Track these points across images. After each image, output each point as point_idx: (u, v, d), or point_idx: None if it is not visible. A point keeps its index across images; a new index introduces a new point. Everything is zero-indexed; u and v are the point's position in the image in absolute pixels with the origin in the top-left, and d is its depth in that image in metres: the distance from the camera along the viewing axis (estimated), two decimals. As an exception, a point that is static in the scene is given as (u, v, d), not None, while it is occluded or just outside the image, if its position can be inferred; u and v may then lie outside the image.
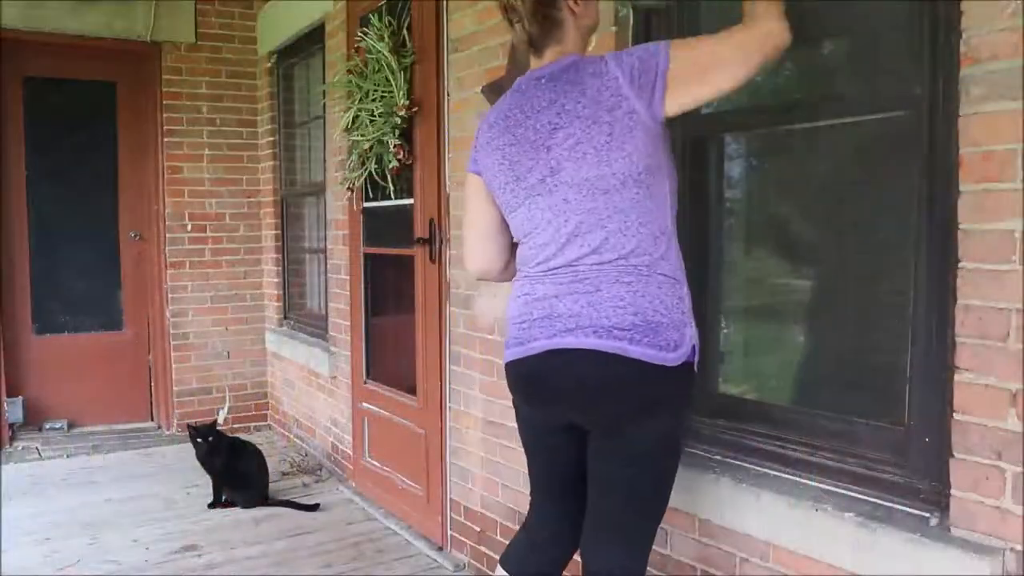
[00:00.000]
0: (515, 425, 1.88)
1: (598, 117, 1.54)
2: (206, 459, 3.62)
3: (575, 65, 1.60)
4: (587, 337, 1.55)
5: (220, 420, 4.80)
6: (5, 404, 4.51)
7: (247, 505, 3.60)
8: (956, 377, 1.46)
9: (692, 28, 2.08)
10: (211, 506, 3.61)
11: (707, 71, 1.51)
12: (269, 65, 4.88)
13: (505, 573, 1.86)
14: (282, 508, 3.60)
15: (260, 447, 3.79)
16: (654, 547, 2.06)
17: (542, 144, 1.60)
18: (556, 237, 1.61)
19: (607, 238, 1.56)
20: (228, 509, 3.60)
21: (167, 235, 4.82)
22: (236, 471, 3.64)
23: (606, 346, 1.53)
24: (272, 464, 3.99)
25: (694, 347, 1.58)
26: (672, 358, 1.53)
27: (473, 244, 1.87)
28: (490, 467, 2.80)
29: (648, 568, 2.09)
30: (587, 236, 1.57)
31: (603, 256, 1.56)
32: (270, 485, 3.75)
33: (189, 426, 3.63)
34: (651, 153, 1.55)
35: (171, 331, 4.84)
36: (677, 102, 1.52)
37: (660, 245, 1.57)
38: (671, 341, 1.54)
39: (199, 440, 3.55)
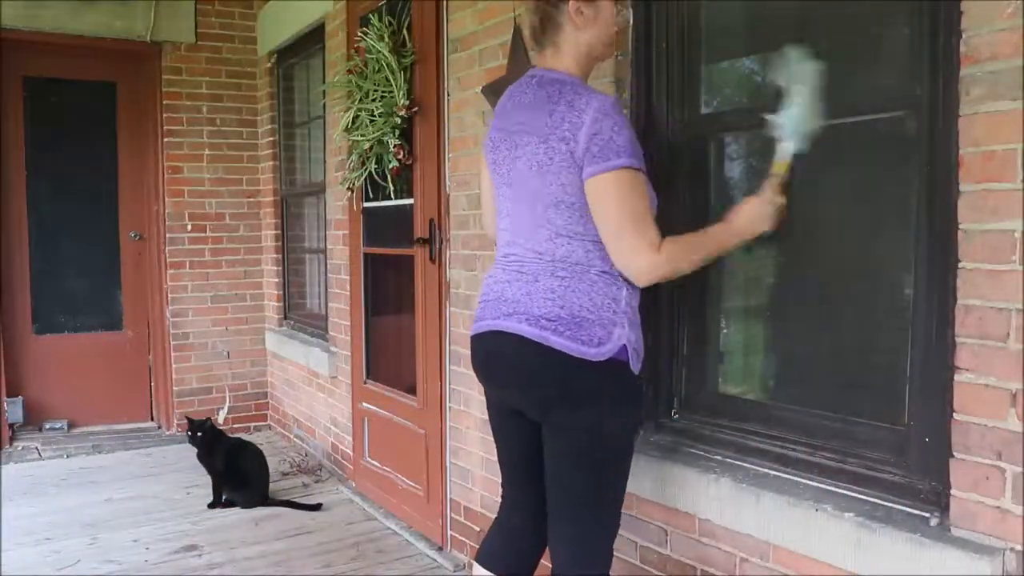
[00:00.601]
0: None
1: (549, 140, 1.63)
2: (206, 458, 3.63)
3: (563, 85, 1.67)
4: (519, 323, 1.66)
5: (220, 420, 4.82)
6: (5, 404, 4.51)
7: (247, 505, 3.60)
8: (956, 377, 1.46)
9: (693, 26, 2.08)
10: (211, 506, 3.61)
11: (604, 210, 1.60)
12: (269, 65, 4.88)
13: (481, 569, 1.89)
14: (282, 508, 3.60)
15: (260, 447, 3.79)
16: (654, 547, 2.07)
17: (515, 142, 1.72)
18: (511, 228, 1.76)
19: (542, 242, 1.68)
20: (228, 509, 3.60)
21: (167, 235, 4.82)
22: (236, 471, 3.64)
23: (532, 334, 1.64)
24: (272, 464, 3.99)
25: (625, 347, 1.64)
26: (594, 353, 1.61)
27: (483, 212, 2.02)
28: (490, 467, 2.79)
29: (648, 568, 2.10)
30: (529, 235, 1.70)
31: (544, 257, 1.68)
32: (270, 485, 3.75)
33: (188, 419, 3.65)
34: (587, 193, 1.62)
35: (171, 331, 4.84)
36: (586, 188, 1.61)
37: (593, 256, 1.65)
38: (595, 337, 1.62)
39: (191, 433, 3.57)
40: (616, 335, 1.63)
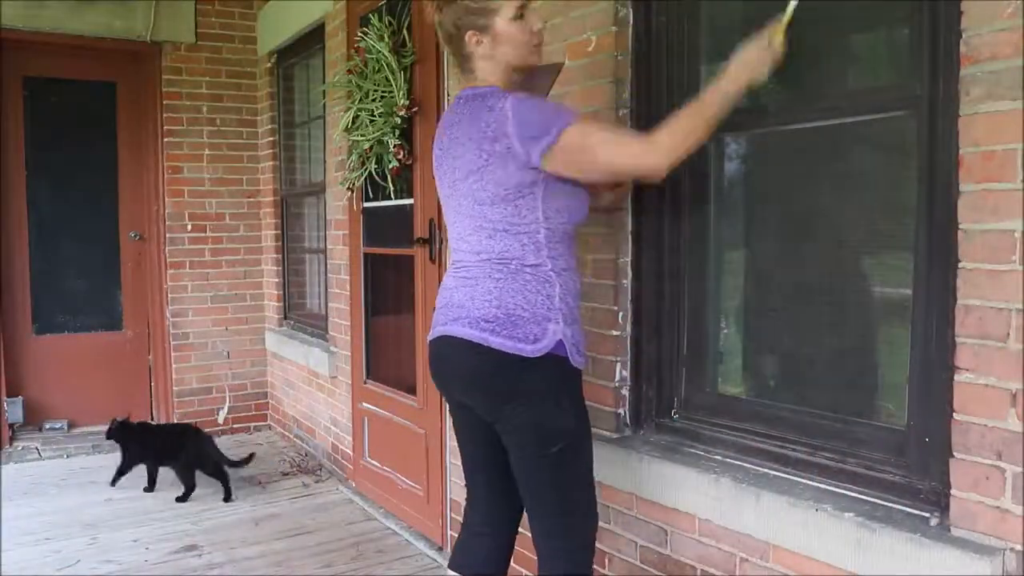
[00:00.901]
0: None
1: (481, 144, 1.70)
2: (139, 452, 3.80)
3: (485, 95, 1.75)
4: (463, 327, 1.73)
5: (220, 420, 4.84)
6: (5, 404, 4.51)
7: (183, 471, 3.69)
8: (956, 377, 1.46)
9: (693, 26, 2.08)
10: (147, 490, 3.78)
11: (581, 166, 1.69)
12: (269, 65, 4.88)
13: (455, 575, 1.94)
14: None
15: (260, 447, 3.80)
16: (654, 547, 2.07)
17: (453, 154, 1.80)
18: (455, 236, 1.84)
19: (481, 241, 1.75)
20: (228, 508, 3.59)
21: (167, 235, 4.82)
22: (168, 449, 3.77)
23: (474, 336, 1.71)
24: (272, 464, 3.99)
25: (561, 342, 1.70)
26: (531, 350, 1.68)
27: None
28: (490, 467, 2.79)
29: (648, 568, 2.10)
30: (470, 238, 1.78)
31: (481, 256, 1.75)
32: (272, 483, 3.74)
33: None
34: (526, 184, 1.69)
35: (171, 331, 4.84)
36: (551, 167, 1.67)
37: (528, 251, 1.72)
38: (530, 334, 1.68)
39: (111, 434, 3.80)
40: (551, 331, 1.69)
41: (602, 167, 1.71)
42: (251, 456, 3.87)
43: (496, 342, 1.68)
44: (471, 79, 1.81)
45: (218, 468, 3.71)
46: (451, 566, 1.96)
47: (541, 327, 1.69)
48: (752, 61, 1.66)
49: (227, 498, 3.68)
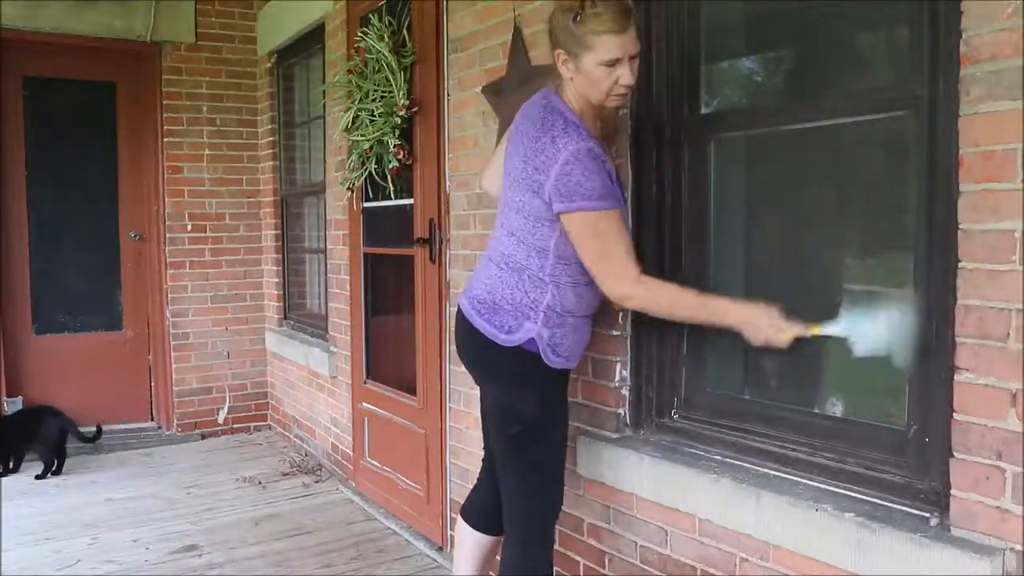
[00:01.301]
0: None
1: (528, 162, 1.80)
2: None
3: (560, 118, 1.78)
4: (465, 302, 1.96)
5: (220, 420, 4.84)
6: (5, 404, 4.51)
7: (45, 458, 4.09)
8: (956, 377, 1.46)
9: (693, 26, 2.08)
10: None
11: (579, 244, 1.78)
12: (269, 65, 4.88)
13: (461, 520, 2.18)
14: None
15: (260, 447, 3.80)
16: (654, 547, 2.07)
17: (515, 143, 1.89)
18: (496, 223, 1.97)
19: (502, 238, 1.91)
20: (228, 509, 3.59)
21: (167, 235, 4.82)
22: (30, 434, 4.13)
23: (467, 312, 1.93)
24: (272, 464, 3.98)
25: (534, 340, 1.84)
26: (503, 339, 1.86)
27: (486, 168, 2.27)
28: (490, 467, 2.79)
29: (648, 568, 2.10)
30: (498, 229, 1.95)
31: (498, 247, 1.92)
32: (272, 483, 3.74)
33: None
34: (546, 217, 1.80)
35: (171, 331, 4.84)
36: (563, 224, 1.78)
37: (532, 260, 1.85)
38: (506, 325, 1.86)
39: None
40: (526, 328, 1.85)
41: (587, 260, 1.79)
42: (99, 430, 4.38)
43: (478, 322, 1.89)
44: (558, 86, 1.86)
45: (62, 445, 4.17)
46: (461, 513, 2.19)
47: (517, 321, 1.85)
48: (755, 325, 1.70)
49: (57, 471, 4.09)
